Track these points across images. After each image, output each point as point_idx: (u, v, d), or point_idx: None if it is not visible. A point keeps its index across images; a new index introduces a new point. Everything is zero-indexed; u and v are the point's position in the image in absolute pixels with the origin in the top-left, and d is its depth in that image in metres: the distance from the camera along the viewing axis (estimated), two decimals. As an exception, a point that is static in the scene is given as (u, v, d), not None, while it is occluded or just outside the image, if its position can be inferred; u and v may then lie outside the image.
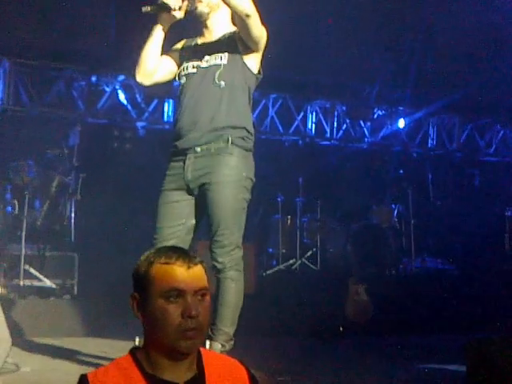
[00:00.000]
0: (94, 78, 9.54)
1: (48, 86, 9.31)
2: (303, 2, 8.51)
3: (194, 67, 4.08)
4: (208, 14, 4.05)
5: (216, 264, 3.92)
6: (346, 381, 4.58)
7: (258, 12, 3.84)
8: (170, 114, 9.96)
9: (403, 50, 10.33)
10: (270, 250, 9.41)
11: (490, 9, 9.22)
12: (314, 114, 11.19)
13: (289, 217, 9.44)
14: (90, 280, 7.17)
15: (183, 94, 4.10)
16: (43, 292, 6.99)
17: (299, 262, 9.02)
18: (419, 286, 8.34)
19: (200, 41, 4.16)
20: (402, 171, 10.27)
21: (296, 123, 10.97)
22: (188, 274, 1.91)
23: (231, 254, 3.93)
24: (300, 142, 11.09)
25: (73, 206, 7.83)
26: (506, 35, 9.50)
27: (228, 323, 3.93)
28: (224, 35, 4.08)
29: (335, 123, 11.28)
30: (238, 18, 3.89)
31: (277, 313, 6.54)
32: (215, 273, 3.94)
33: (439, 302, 7.50)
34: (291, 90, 10.67)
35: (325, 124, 11.22)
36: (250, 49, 3.99)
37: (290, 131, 10.97)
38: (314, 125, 11.17)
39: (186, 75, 4.10)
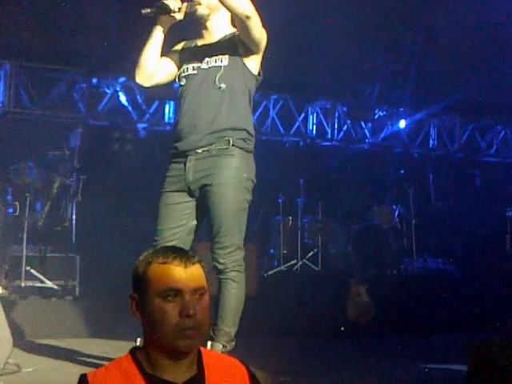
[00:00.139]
0: (94, 80, 9.54)
1: (49, 88, 9.31)
2: (303, 2, 8.52)
3: (194, 69, 4.08)
4: (208, 15, 4.06)
5: (217, 265, 3.93)
6: (347, 381, 4.58)
7: (258, 13, 3.84)
8: (171, 115, 9.96)
9: (404, 50, 10.34)
10: (272, 250, 9.41)
11: (491, 9, 9.23)
12: (315, 115, 11.19)
13: (290, 218, 9.43)
14: (92, 281, 7.18)
15: (183, 95, 4.10)
16: (44, 293, 7.01)
17: (300, 262, 9.02)
18: (420, 287, 8.34)
19: (200, 42, 4.16)
20: (402, 172, 10.27)
21: (297, 124, 10.97)
22: (185, 274, 1.92)
23: (232, 255, 3.94)
24: (301, 143, 11.10)
25: (74, 208, 7.85)
26: (507, 35, 9.51)
27: (229, 324, 3.94)
28: (224, 37, 4.08)
29: (336, 124, 11.28)
30: (237, 19, 3.89)
31: (278, 313, 6.54)
32: (216, 274, 3.95)
33: (440, 302, 7.50)
34: (292, 91, 10.67)
35: (326, 125, 11.22)
36: (250, 50, 3.99)
37: (291, 132, 10.97)
38: (314, 126, 11.18)
39: (186, 77, 4.11)
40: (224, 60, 4.01)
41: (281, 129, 10.86)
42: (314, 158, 10.76)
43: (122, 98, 9.77)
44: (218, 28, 4.10)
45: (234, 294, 3.94)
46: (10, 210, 7.39)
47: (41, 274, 7.12)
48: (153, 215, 4.12)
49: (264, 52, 4.04)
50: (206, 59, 4.05)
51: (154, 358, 1.92)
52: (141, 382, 1.89)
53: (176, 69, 4.19)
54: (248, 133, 4.04)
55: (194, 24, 4.14)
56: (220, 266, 3.92)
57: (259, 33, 3.90)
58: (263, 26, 3.91)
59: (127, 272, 2.08)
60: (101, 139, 9.61)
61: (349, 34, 9.10)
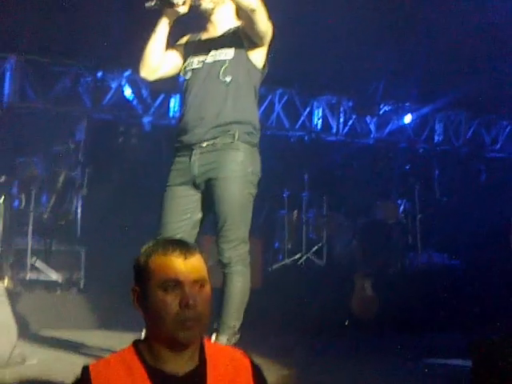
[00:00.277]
0: (99, 74, 9.55)
1: (54, 82, 9.33)
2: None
3: (199, 62, 4.07)
4: (212, 9, 4.04)
5: (222, 259, 3.94)
6: (351, 375, 4.58)
7: (264, 6, 3.83)
8: (176, 109, 9.96)
9: (410, 45, 10.30)
10: (276, 244, 9.42)
11: (497, 4, 9.19)
12: (320, 109, 11.19)
13: (295, 212, 9.45)
14: (96, 274, 7.21)
15: (188, 89, 4.09)
16: (50, 285, 7.04)
17: (305, 257, 9.03)
18: (425, 282, 8.33)
19: (205, 36, 4.15)
20: (408, 167, 10.26)
21: (302, 119, 10.98)
22: (185, 265, 1.92)
23: (237, 248, 3.94)
24: (306, 137, 11.10)
25: (79, 201, 7.88)
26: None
27: (234, 317, 3.95)
28: (229, 30, 4.06)
29: (341, 119, 11.28)
30: (243, 12, 3.88)
31: (282, 307, 6.55)
32: (221, 267, 3.96)
33: (445, 297, 7.49)
34: (297, 86, 10.67)
35: (331, 120, 11.22)
36: (255, 44, 3.97)
37: (296, 127, 10.97)
38: (319, 120, 11.18)
39: (191, 70, 4.09)
40: (229, 53, 3.99)
41: (286, 123, 10.86)
42: (318, 153, 10.76)
43: (127, 92, 9.78)
44: (223, 21, 4.09)
45: (239, 287, 3.94)
46: (16, 203, 7.41)
47: (46, 266, 7.15)
48: (157, 209, 4.12)
49: (269, 45, 4.03)
50: (211, 53, 4.03)
51: (155, 350, 1.92)
52: (142, 373, 1.89)
53: (181, 62, 4.18)
54: (253, 126, 4.04)
55: (198, 17, 4.13)
56: (225, 260, 3.92)
57: (264, 26, 3.87)
58: (269, 19, 3.90)
59: (132, 265, 2.09)
60: (106, 133, 9.62)
61: (355, 29, 9.07)
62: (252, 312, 4.04)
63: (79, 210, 7.85)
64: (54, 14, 8.27)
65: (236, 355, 2.05)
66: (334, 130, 11.23)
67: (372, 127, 11.46)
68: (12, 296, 5.48)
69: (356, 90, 10.97)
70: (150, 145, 9.63)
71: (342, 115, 11.29)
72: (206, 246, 6.15)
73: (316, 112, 11.15)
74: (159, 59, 4.10)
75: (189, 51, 4.15)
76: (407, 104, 11.39)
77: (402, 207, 9.81)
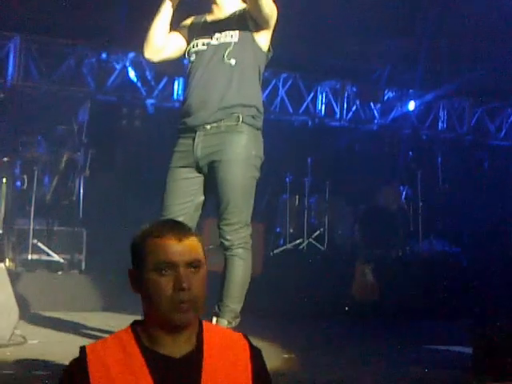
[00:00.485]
0: (104, 55, 9.52)
1: (58, 63, 9.31)
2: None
3: (203, 44, 4.05)
4: (218, -10, 4.04)
5: (224, 242, 3.94)
6: (350, 359, 4.60)
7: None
8: (180, 91, 9.93)
9: (415, 31, 10.26)
10: (278, 229, 9.43)
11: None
12: (324, 94, 11.16)
13: (297, 197, 9.45)
14: (98, 255, 7.23)
15: (193, 71, 4.08)
16: (51, 266, 7.05)
17: (306, 241, 9.03)
18: (426, 268, 8.34)
19: (210, 18, 4.12)
20: (411, 153, 10.24)
21: (306, 103, 10.95)
22: (179, 246, 1.91)
23: (239, 232, 3.94)
24: (309, 122, 11.08)
25: (81, 182, 7.87)
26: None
27: (235, 300, 3.95)
28: (234, 13, 4.04)
29: (345, 104, 11.25)
30: (248, -5, 3.87)
31: (283, 291, 6.56)
32: (223, 250, 3.96)
33: (445, 285, 7.49)
34: (302, 70, 10.64)
35: (335, 105, 11.20)
36: (260, 26, 3.95)
37: (300, 111, 10.95)
38: (323, 105, 11.15)
39: (195, 52, 4.07)
40: (234, 36, 3.98)
41: (290, 108, 10.84)
42: (322, 138, 10.74)
43: (131, 74, 9.75)
44: (228, 3, 4.06)
45: (241, 270, 3.95)
46: (18, 184, 7.42)
47: (48, 247, 7.17)
48: (160, 191, 4.12)
49: (274, 28, 4.01)
50: (216, 35, 4.02)
51: (152, 331, 1.92)
52: (138, 355, 1.89)
53: (185, 44, 4.15)
54: (257, 109, 4.03)
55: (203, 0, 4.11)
56: (227, 243, 3.93)
57: (270, 9, 3.85)
58: (273, 1, 3.87)
59: (133, 247, 2.09)
60: (109, 114, 9.60)
61: (360, 15, 9.03)
62: (253, 296, 4.05)
63: (82, 191, 7.85)
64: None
65: (234, 337, 2.04)
66: (338, 116, 11.22)
67: (376, 113, 11.43)
68: (14, 276, 5.51)
69: (360, 76, 10.94)
70: (153, 127, 9.62)
71: (345, 100, 11.26)
72: (208, 229, 6.17)
73: (320, 97, 11.12)
74: (163, 40, 4.08)
75: (194, 33, 4.13)
76: (411, 91, 11.35)
77: (404, 194, 9.80)
